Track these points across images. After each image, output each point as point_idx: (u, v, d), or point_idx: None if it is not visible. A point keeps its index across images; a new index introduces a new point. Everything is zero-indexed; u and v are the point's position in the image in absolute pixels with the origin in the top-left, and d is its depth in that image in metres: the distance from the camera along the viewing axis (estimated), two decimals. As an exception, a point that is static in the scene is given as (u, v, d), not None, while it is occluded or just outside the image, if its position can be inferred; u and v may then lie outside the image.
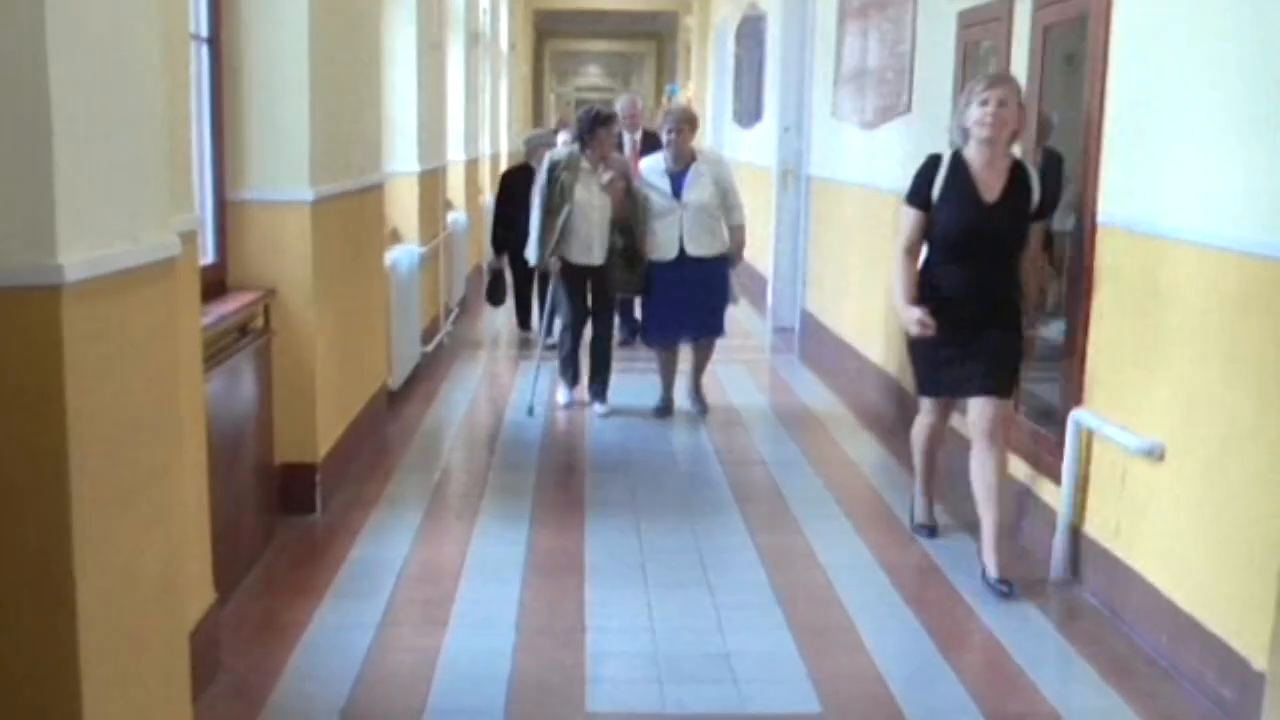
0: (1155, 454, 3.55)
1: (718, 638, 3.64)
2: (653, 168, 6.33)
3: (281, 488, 4.59)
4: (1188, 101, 3.49)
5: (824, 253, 8.27)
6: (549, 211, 6.15)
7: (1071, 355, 4.11)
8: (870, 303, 6.91)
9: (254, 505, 4.27)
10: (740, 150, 12.33)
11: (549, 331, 6.91)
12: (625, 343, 7.63)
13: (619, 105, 8.25)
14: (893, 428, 6.17)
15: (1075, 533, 4.06)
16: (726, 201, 6.25)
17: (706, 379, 6.68)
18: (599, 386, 6.47)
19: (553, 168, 6.20)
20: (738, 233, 6.37)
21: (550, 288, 6.51)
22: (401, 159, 7.40)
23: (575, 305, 6.39)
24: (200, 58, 4.36)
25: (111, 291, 2.30)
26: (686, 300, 6.19)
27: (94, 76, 2.23)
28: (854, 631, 3.70)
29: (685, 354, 6.59)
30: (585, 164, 6.20)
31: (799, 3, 9.01)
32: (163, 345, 2.55)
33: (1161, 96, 3.64)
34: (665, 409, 6.47)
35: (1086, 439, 4.00)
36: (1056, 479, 4.14)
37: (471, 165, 10.79)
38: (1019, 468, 4.57)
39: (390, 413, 6.20)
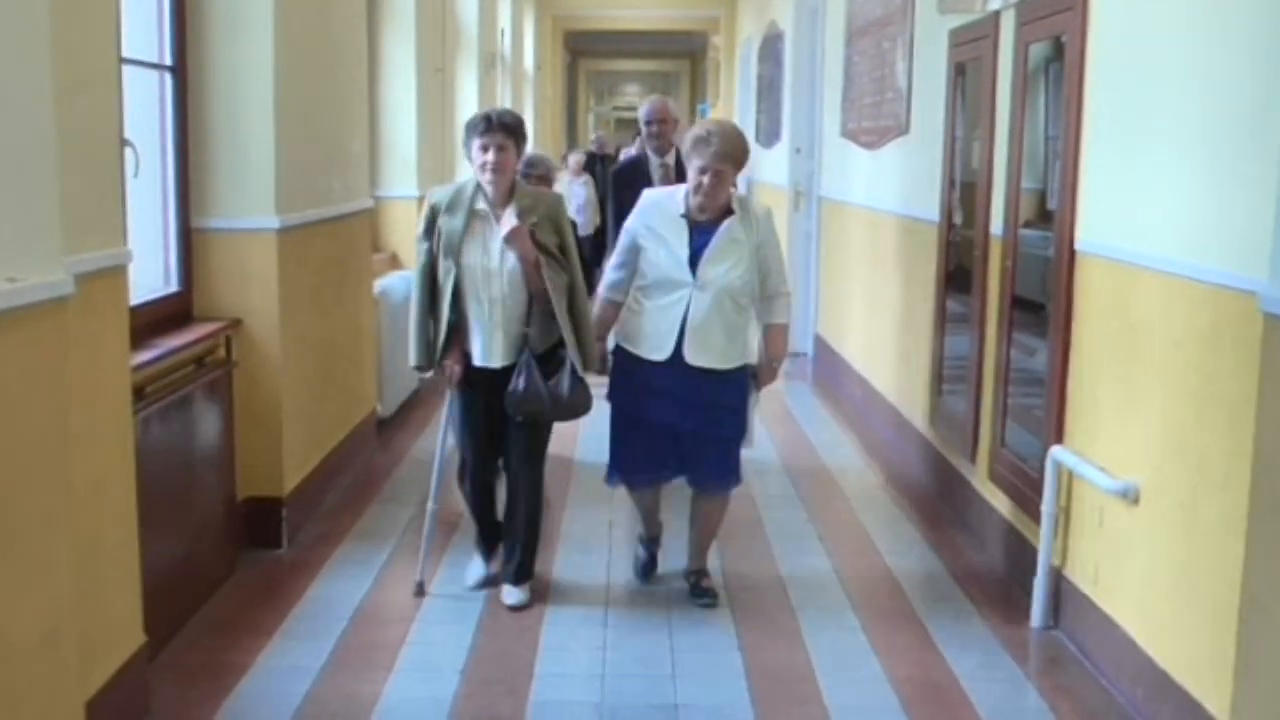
0: (1130, 496, 3.35)
1: (669, 687, 3.48)
2: (662, 206, 3.93)
3: (246, 522, 4.50)
4: (1162, 128, 3.30)
5: (835, 276, 8.09)
6: (430, 284, 3.97)
7: (1052, 389, 3.92)
8: (876, 329, 6.73)
9: (211, 541, 4.17)
10: (762, 171, 12.18)
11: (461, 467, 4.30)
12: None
13: (642, 111, 5.86)
14: (893, 460, 6.00)
15: (1056, 575, 3.86)
16: (768, 285, 3.94)
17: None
18: (514, 564, 4.07)
19: (431, 213, 3.96)
20: (776, 336, 4.02)
21: (448, 405, 4.15)
22: (400, 183, 7.34)
23: (473, 435, 4.07)
24: (164, 86, 4.31)
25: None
26: (675, 429, 3.93)
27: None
28: (814, 682, 3.52)
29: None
30: (482, 204, 3.91)
31: (810, 22, 8.88)
32: (47, 389, 2.45)
33: (1136, 122, 3.46)
34: (650, 565, 4.28)
35: (1067, 478, 3.81)
36: (1038, 517, 3.94)
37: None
38: (1003, 504, 4.38)
39: (379, 441, 6.10)
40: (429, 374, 4.12)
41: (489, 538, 4.26)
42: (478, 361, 3.97)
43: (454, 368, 3.99)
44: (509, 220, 3.83)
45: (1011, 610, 4.02)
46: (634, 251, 3.96)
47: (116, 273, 3.20)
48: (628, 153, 14.27)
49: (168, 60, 4.30)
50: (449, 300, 3.90)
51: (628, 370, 3.99)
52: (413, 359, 4.03)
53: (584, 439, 5.90)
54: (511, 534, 4.11)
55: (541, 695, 3.41)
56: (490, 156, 3.83)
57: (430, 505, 4.21)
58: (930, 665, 3.64)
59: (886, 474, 5.75)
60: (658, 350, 3.87)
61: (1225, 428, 2.89)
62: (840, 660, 3.66)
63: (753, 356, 4.04)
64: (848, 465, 5.97)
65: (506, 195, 3.90)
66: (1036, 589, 3.89)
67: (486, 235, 3.90)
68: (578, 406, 3.96)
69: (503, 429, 4.02)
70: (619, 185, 5.66)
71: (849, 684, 3.50)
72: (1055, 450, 3.81)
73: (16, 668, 2.34)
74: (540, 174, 5.28)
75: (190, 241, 4.44)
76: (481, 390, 4.00)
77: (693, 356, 3.84)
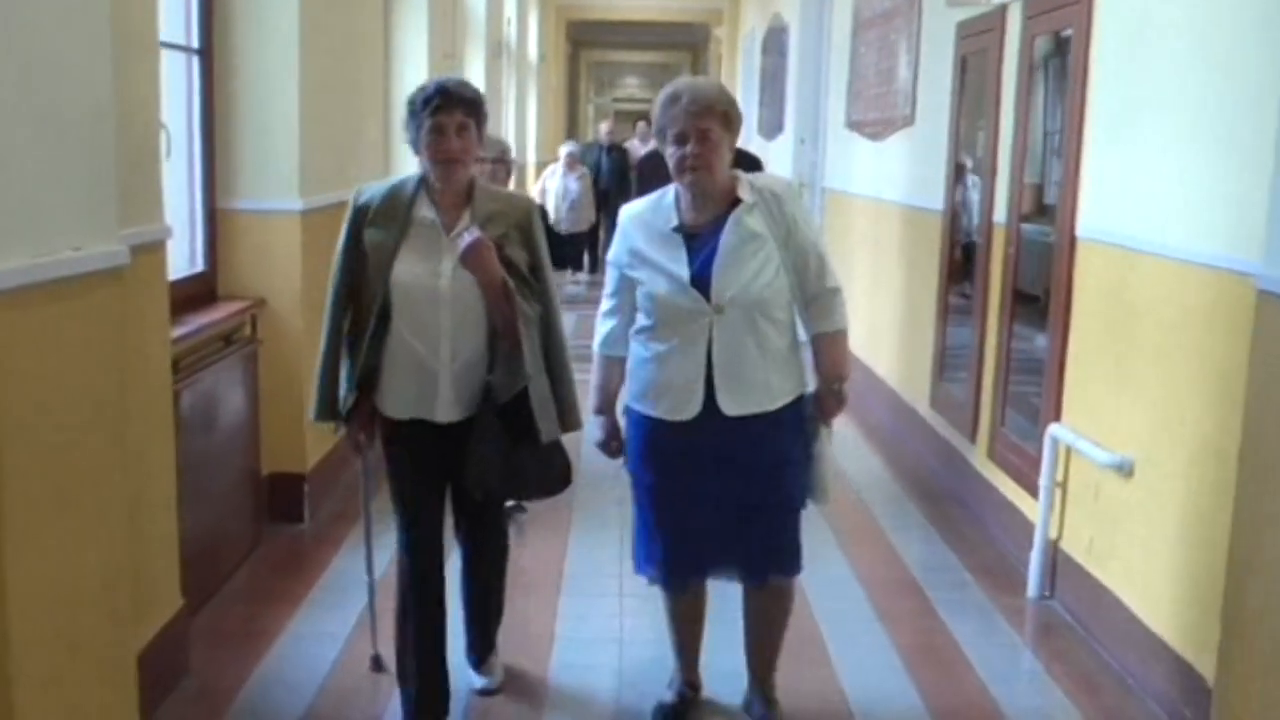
0: (1125, 469, 3.50)
1: (684, 650, 3.62)
2: (645, 220, 2.94)
3: (270, 497, 4.63)
4: (1160, 116, 3.45)
5: (836, 264, 8.21)
6: (343, 308, 3.00)
7: (1051, 369, 4.07)
8: (878, 317, 6.87)
9: (238, 514, 4.31)
10: (766, 163, 12.31)
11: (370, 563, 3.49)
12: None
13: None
14: (893, 442, 6.13)
15: (1052, 548, 4.01)
16: (807, 283, 2.95)
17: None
18: (478, 641, 3.36)
19: (355, 217, 2.97)
20: (831, 347, 3.01)
21: (362, 471, 3.28)
22: (410, 169, 7.43)
23: (408, 512, 3.07)
24: (191, 68, 4.44)
25: (49, 299, 2.34)
26: (718, 504, 2.96)
27: (28, 82, 2.27)
28: (822, 646, 3.67)
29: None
30: (426, 210, 2.93)
31: (816, 14, 9.01)
32: (107, 351, 2.59)
33: (1138, 113, 3.60)
34: (679, 707, 3.23)
35: (1065, 454, 3.95)
36: (1036, 493, 4.09)
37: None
38: (1003, 481, 4.53)
39: (393, 421, 6.23)
40: (340, 431, 3.12)
41: (422, 681, 3.08)
42: (407, 413, 2.96)
43: (359, 437, 3.02)
44: (470, 232, 2.84)
45: (1008, 581, 4.18)
46: (626, 288, 2.97)
47: (157, 248, 3.33)
48: (633, 144, 14.38)
49: (195, 43, 4.42)
50: (370, 336, 2.90)
51: (648, 435, 2.98)
52: (312, 411, 3.07)
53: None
54: (474, 612, 3.30)
55: (562, 658, 3.57)
56: (447, 142, 2.86)
57: (367, 577, 3.51)
58: (931, 630, 3.79)
59: (886, 454, 5.90)
60: (682, 407, 2.88)
61: (1218, 403, 3.04)
62: (845, 627, 3.81)
63: (801, 387, 3.00)
64: (850, 448, 6.11)
65: (463, 197, 2.93)
66: (1033, 561, 4.04)
67: (430, 249, 2.89)
68: (558, 481, 3.06)
69: (443, 496, 3.09)
70: (645, 179, 4.67)
71: (855, 647, 3.65)
72: (1053, 427, 3.96)
73: (79, 615, 2.48)
74: (496, 158, 4.17)
75: (215, 222, 4.57)
76: (425, 452, 2.99)
77: (731, 406, 2.85)
